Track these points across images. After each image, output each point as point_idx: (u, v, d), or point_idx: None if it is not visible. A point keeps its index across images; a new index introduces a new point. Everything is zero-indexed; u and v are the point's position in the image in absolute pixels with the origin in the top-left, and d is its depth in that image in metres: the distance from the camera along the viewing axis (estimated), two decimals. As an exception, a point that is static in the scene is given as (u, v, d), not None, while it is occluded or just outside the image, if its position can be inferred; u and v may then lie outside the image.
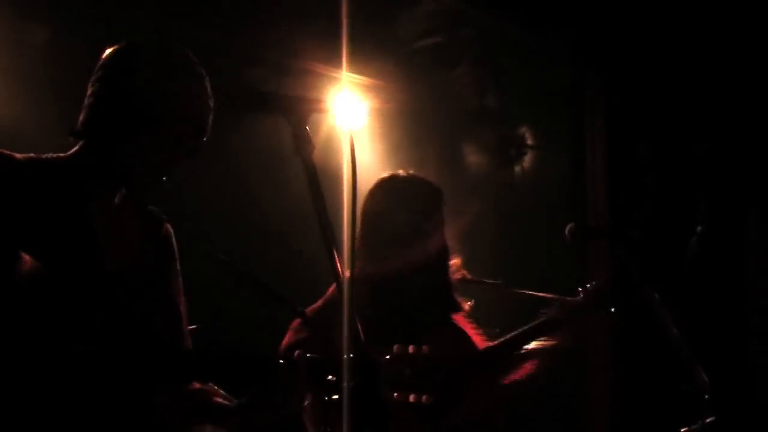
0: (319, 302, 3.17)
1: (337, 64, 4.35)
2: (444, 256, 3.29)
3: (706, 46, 4.18)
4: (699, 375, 2.82)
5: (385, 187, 3.26)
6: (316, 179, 1.92)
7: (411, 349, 2.29)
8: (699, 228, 4.04)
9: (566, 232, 3.02)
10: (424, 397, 2.26)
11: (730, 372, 3.38)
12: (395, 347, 2.29)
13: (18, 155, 2.15)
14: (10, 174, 2.10)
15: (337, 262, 1.87)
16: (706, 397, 2.76)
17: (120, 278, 2.17)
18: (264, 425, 2.27)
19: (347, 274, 1.86)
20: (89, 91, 2.21)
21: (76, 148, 2.22)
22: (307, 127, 1.99)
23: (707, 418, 2.73)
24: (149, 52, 2.22)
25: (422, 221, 3.22)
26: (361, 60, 4.47)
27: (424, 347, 2.29)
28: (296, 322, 3.07)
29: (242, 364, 2.20)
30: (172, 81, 2.15)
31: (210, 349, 2.28)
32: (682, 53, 4.26)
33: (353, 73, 4.55)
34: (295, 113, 1.99)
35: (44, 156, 2.20)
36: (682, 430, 2.77)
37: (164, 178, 2.24)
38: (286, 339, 3.07)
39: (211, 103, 2.23)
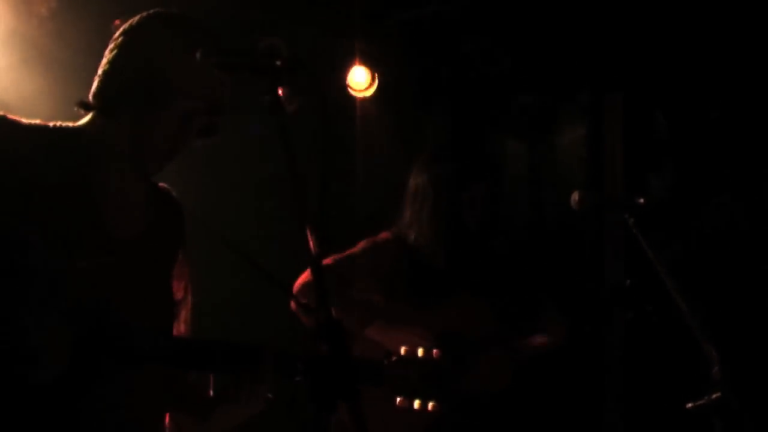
0: (343, 254, 3.23)
1: (349, 34, 4.33)
2: (481, 229, 3.30)
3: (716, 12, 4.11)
4: (709, 349, 2.76)
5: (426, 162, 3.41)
6: (289, 145, 1.85)
7: (421, 352, 2.24)
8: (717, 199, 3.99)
9: (571, 200, 2.97)
10: (430, 405, 2.21)
11: (742, 346, 3.33)
12: (403, 349, 2.24)
13: (24, 121, 2.13)
14: (13, 139, 2.07)
15: (310, 237, 1.81)
16: (715, 372, 2.70)
17: (122, 249, 2.13)
18: (235, 420, 2.22)
19: (316, 250, 1.81)
20: (103, 62, 2.20)
21: (86, 118, 2.21)
22: (289, 89, 1.92)
23: (714, 394, 2.67)
24: (165, 25, 2.20)
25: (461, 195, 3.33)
26: (371, 29, 4.43)
27: (434, 351, 2.24)
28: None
29: (229, 353, 2.13)
30: (186, 55, 2.08)
31: (198, 338, 2.24)
32: (693, 20, 4.19)
33: (364, 41, 4.51)
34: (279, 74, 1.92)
35: (51, 124, 2.18)
36: (689, 405, 2.72)
37: (173, 155, 2.21)
38: (301, 278, 3.11)
39: (228, 81, 2.19)
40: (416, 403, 2.21)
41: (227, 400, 2.19)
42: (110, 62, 2.18)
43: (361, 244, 3.38)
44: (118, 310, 2.02)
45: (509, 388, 3.30)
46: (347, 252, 3.32)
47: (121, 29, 2.21)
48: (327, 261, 3.24)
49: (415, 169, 3.45)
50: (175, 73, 2.14)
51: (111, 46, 2.20)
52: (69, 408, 2.00)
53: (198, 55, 1.92)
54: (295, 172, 1.82)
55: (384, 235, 3.41)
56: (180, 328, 2.30)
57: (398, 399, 2.22)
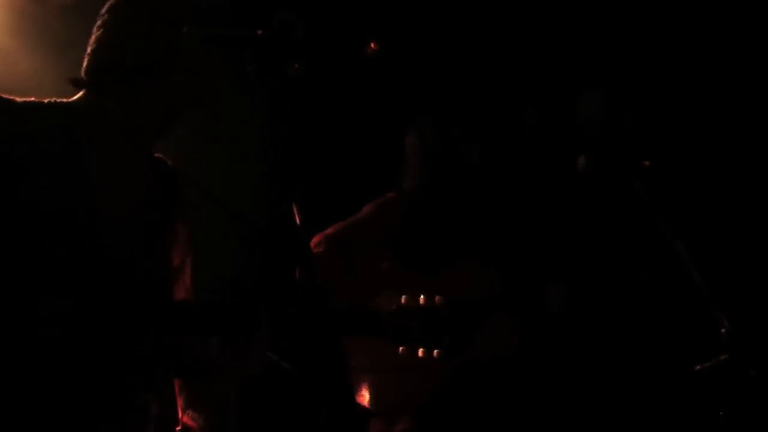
0: (348, 220, 3.24)
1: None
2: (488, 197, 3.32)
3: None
4: (718, 312, 2.74)
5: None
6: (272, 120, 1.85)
7: (422, 300, 2.22)
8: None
9: (578, 162, 2.95)
10: (435, 352, 2.19)
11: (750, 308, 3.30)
12: (403, 298, 2.22)
13: (18, 99, 2.14)
14: (7, 117, 2.08)
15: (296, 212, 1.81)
16: (723, 333, 2.68)
17: (119, 225, 2.13)
18: (237, 379, 2.22)
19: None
20: (91, 39, 2.20)
21: (79, 94, 2.21)
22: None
23: (722, 356, 2.66)
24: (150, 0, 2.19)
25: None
26: None
27: (437, 298, 2.22)
28: (317, 237, 3.09)
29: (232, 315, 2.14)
30: (173, 29, 2.09)
31: (199, 300, 2.26)
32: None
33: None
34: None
35: (45, 100, 2.18)
36: (698, 367, 2.70)
37: (167, 128, 2.22)
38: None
39: (217, 54, 2.19)
40: (420, 352, 2.18)
41: (228, 361, 2.19)
42: (98, 39, 2.19)
43: (367, 208, 3.37)
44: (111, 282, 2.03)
45: (512, 359, 3.29)
46: (352, 218, 3.32)
47: (107, 5, 2.21)
48: (331, 229, 3.24)
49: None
50: (164, 48, 2.14)
51: (98, 22, 2.21)
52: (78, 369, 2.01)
53: (185, 28, 1.93)
54: (278, 146, 1.81)
55: (390, 194, 3.41)
56: (180, 294, 2.30)
57: (400, 349, 2.19)
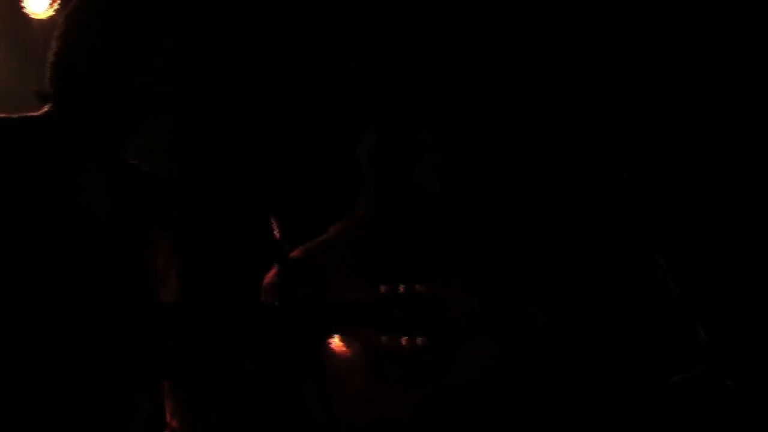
0: (310, 244, 3.11)
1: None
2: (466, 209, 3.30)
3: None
4: (695, 323, 2.75)
5: None
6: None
7: (401, 288, 2.21)
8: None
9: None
10: (419, 339, 2.17)
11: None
12: (382, 287, 2.20)
13: None
14: None
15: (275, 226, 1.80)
16: (701, 344, 2.69)
17: (95, 233, 2.13)
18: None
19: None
20: (51, 49, 2.20)
21: (47, 107, 2.20)
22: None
23: (700, 367, 2.67)
24: (101, 6, 2.19)
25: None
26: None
27: (417, 286, 2.21)
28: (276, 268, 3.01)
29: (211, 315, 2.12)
30: (132, 34, 2.12)
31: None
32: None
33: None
34: None
35: (15, 115, 2.17)
36: (676, 377, 2.71)
37: (136, 134, 2.21)
38: (269, 275, 3.00)
39: (178, 47, 2.20)
40: (404, 340, 2.17)
41: (213, 362, 2.18)
42: (57, 49, 2.18)
43: (333, 228, 3.24)
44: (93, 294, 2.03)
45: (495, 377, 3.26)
46: (318, 240, 3.13)
47: (64, 14, 2.21)
48: (296, 253, 3.12)
49: None
50: (125, 52, 2.14)
51: (56, 33, 2.20)
52: None
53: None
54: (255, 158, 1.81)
55: (360, 213, 3.30)
56: (167, 297, 2.30)
57: (383, 338, 2.17)
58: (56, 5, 3.77)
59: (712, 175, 3.77)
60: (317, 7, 3.86)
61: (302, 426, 2.26)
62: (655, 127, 3.74)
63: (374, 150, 3.13)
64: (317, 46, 3.80)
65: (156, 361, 2.11)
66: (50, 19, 3.73)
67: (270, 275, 2.88)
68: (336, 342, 2.75)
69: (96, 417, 2.03)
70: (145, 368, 2.10)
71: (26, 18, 3.77)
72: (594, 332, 3.67)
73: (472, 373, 3.12)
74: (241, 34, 2.32)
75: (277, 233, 1.82)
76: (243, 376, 2.15)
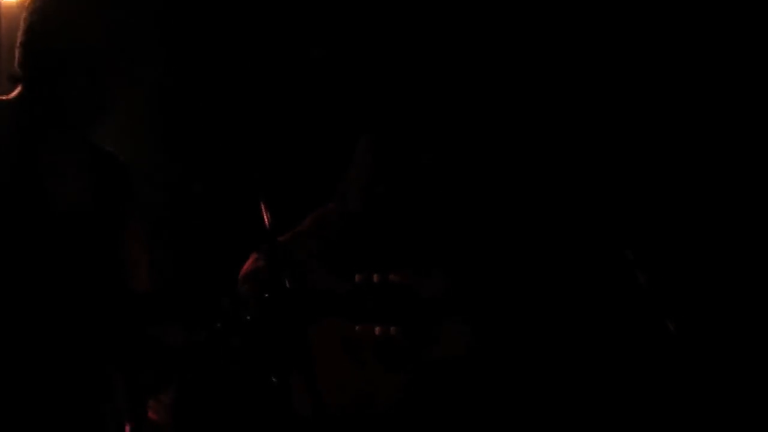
0: (286, 235, 3.13)
1: None
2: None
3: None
4: (664, 318, 2.78)
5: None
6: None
7: (375, 277, 2.21)
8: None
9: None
10: (391, 329, 2.18)
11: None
12: (357, 276, 2.21)
13: None
14: None
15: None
16: (670, 339, 2.72)
17: (69, 221, 2.12)
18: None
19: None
20: (20, 31, 2.19)
21: (17, 89, 2.19)
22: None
23: (670, 361, 2.69)
24: None
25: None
26: None
27: (391, 276, 2.21)
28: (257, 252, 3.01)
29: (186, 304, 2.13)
30: (99, 13, 2.12)
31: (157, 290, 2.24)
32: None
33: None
34: None
35: None
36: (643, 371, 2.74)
37: (100, 115, 2.20)
38: (245, 267, 3.02)
39: (150, 29, 2.20)
40: (377, 330, 2.17)
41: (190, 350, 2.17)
42: (26, 30, 2.18)
43: (308, 219, 3.27)
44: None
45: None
46: (294, 230, 3.24)
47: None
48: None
49: None
50: (92, 31, 2.13)
51: (25, 14, 2.19)
52: None
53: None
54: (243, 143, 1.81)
55: (332, 204, 3.32)
56: (140, 286, 2.28)
57: (357, 327, 2.17)
58: None
59: (682, 171, 3.81)
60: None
61: (288, 414, 2.26)
62: (622, 125, 3.77)
63: (371, 150, 3.17)
64: (286, 34, 3.80)
65: (134, 351, 2.10)
66: (18, 4, 3.70)
67: (248, 265, 2.89)
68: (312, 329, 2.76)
69: (71, 405, 2.02)
70: (121, 358, 2.08)
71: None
72: (565, 326, 3.71)
73: (448, 353, 3.15)
74: (216, 18, 2.29)
75: (266, 222, 1.81)
76: (225, 366, 2.15)
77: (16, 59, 2.18)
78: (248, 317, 2.07)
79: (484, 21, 3.87)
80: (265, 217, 1.91)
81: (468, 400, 3.19)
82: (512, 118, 3.54)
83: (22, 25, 2.18)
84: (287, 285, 1.97)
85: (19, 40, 2.18)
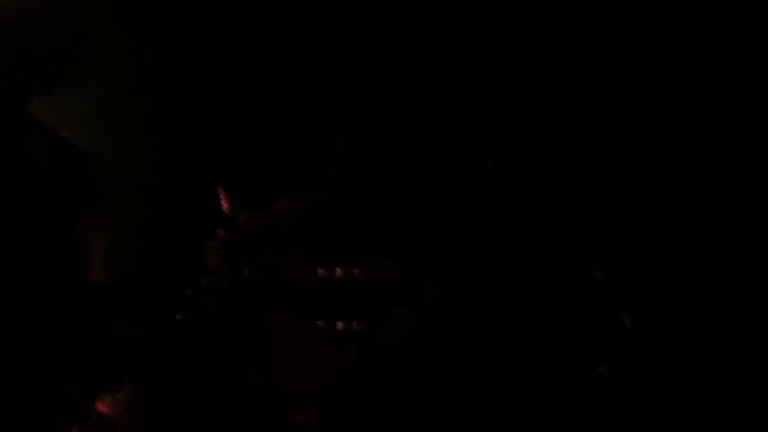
0: (258, 213, 3.11)
1: None
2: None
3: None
4: (620, 312, 2.78)
5: None
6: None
7: (339, 272, 2.16)
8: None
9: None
10: (354, 324, 2.14)
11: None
12: (320, 270, 2.17)
13: None
14: None
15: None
16: (627, 335, 2.72)
17: (27, 206, 2.08)
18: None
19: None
20: None
21: None
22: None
23: (626, 357, 2.69)
24: None
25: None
26: None
27: (355, 270, 2.17)
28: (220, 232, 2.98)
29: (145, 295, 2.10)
30: None
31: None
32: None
33: None
34: None
35: None
36: (601, 368, 2.73)
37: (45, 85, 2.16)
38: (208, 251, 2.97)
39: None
40: (339, 325, 2.13)
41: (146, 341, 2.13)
42: None
43: (281, 201, 3.27)
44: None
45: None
46: (266, 210, 3.22)
47: None
48: (243, 219, 3.13)
49: None
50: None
51: None
52: None
53: None
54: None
55: (305, 189, 3.32)
56: (96, 276, 2.23)
57: (319, 323, 2.13)
58: None
59: (640, 165, 3.82)
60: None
61: (242, 389, 2.23)
62: (579, 121, 3.77)
63: (351, 150, 3.15)
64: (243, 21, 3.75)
65: (86, 342, 2.05)
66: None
67: (210, 251, 2.85)
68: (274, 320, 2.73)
69: (18, 398, 1.98)
70: (73, 351, 2.04)
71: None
72: (520, 319, 3.72)
73: (395, 336, 3.15)
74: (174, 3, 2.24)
75: (225, 206, 1.78)
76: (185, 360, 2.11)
77: None
78: (211, 309, 2.04)
79: (453, 13, 3.87)
80: (224, 202, 1.88)
81: (414, 385, 3.21)
82: (479, 111, 3.54)
83: None
84: (246, 274, 1.93)
85: None
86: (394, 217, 3.37)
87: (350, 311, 2.17)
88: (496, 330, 3.70)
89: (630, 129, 3.80)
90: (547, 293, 3.65)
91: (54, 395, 2.03)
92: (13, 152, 2.11)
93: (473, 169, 3.36)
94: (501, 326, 3.73)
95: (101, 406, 2.10)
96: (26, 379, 1.99)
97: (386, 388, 3.23)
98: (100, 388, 2.12)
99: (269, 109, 3.99)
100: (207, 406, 2.70)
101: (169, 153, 3.77)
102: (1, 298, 1.95)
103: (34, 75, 2.12)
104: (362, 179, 3.30)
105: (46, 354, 2.00)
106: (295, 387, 3.00)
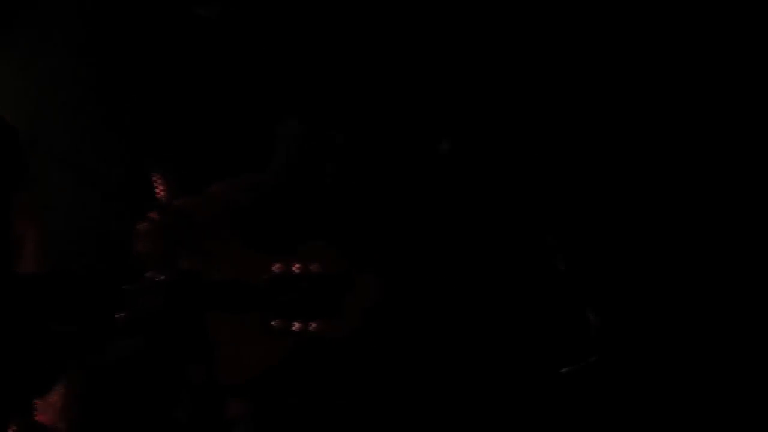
0: (194, 196, 2.98)
1: None
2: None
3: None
4: (587, 312, 2.71)
5: None
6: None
7: (297, 267, 2.06)
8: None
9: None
10: (311, 324, 2.05)
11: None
12: (276, 266, 2.05)
13: None
14: None
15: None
16: (592, 335, 2.66)
17: None
18: None
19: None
20: None
21: None
22: None
23: (591, 358, 2.63)
24: None
25: None
26: None
27: (312, 265, 2.08)
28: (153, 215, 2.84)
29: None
30: None
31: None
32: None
33: None
34: None
35: None
36: (564, 369, 2.67)
37: None
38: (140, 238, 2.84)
39: None
40: (296, 325, 2.02)
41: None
42: None
43: (217, 186, 3.16)
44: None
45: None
46: (202, 194, 3.10)
47: None
48: (179, 202, 3.01)
49: None
50: None
51: None
52: None
53: None
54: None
55: (245, 175, 3.21)
56: (27, 266, 2.10)
57: (274, 322, 2.02)
58: None
59: (606, 160, 3.79)
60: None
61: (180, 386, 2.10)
62: (540, 105, 3.74)
63: (297, 136, 3.04)
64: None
65: (17, 343, 1.88)
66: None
67: (141, 238, 2.70)
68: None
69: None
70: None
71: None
72: (482, 317, 3.67)
73: (338, 324, 3.08)
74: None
75: (160, 190, 1.63)
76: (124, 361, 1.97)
77: None
78: (151, 306, 1.88)
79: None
80: (159, 185, 1.74)
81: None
82: (434, 93, 3.46)
83: None
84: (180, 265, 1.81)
85: None
86: (336, 205, 3.29)
87: (289, 302, 2.04)
88: (442, 324, 3.66)
89: (592, 114, 3.77)
90: (506, 286, 3.60)
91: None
92: None
93: (426, 154, 3.27)
94: (450, 320, 3.68)
95: (38, 415, 1.95)
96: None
97: (324, 381, 3.16)
98: (32, 390, 1.96)
99: (210, 90, 3.89)
100: (144, 407, 2.58)
101: (104, 135, 3.65)
102: None
103: None
104: (303, 163, 3.22)
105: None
106: (232, 379, 2.90)
